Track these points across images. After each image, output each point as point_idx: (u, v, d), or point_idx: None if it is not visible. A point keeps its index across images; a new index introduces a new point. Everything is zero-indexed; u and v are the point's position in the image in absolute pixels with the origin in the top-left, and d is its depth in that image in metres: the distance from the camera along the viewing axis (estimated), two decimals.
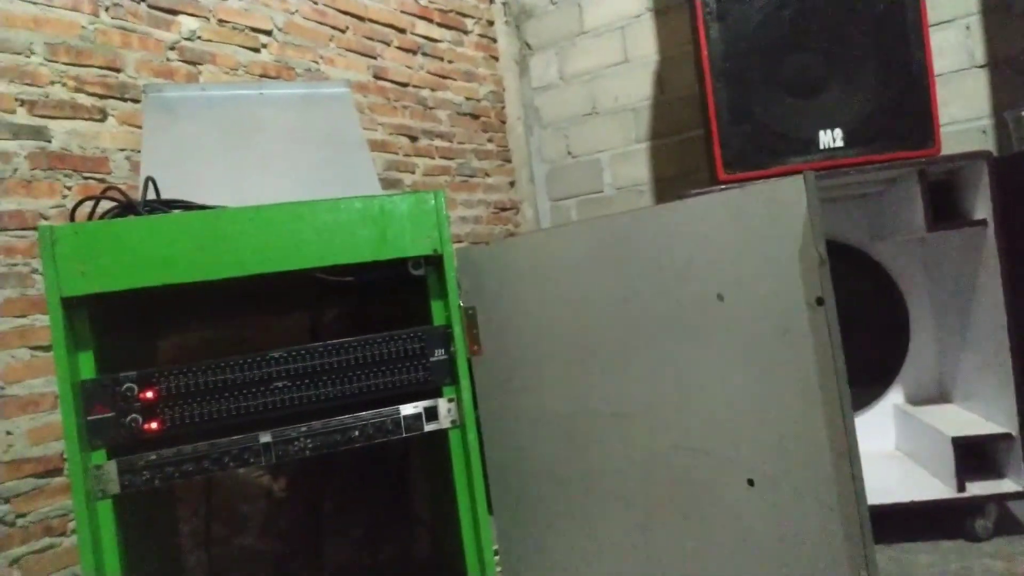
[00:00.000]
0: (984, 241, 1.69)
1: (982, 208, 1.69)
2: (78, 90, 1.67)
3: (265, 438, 1.15)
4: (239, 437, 1.14)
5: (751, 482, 1.18)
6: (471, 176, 2.86)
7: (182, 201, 1.23)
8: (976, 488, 1.67)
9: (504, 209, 3.02)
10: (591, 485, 1.39)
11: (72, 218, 1.22)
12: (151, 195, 1.24)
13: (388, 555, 1.81)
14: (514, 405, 1.47)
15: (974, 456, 1.72)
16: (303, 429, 1.17)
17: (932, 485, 1.75)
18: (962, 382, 1.92)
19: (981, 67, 2.18)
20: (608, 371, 1.34)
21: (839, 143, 1.80)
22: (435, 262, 1.26)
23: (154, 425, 1.09)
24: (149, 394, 1.09)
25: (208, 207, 1.21)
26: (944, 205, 1.79)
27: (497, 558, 1.44)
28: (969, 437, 1.69)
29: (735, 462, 1.20)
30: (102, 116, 1.71)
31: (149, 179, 1.25)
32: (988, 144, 2.17)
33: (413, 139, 2.59)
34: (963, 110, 2.20)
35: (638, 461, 1.32)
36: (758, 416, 1.17)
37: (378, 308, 1.66)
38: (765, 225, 1.14)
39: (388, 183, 2.44)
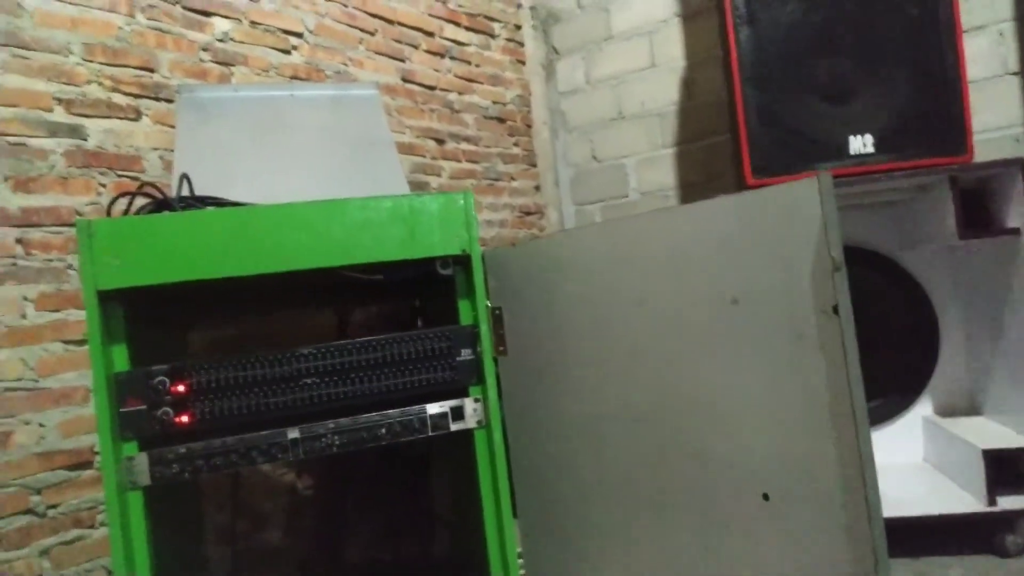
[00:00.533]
0: (1017, 250, 1.67)
1: (1015, 216, 1.66)
2: (114, 89, 1.70)
3: (293, 434, 1.16)
4: (267, 432, 1.15)
5: (766, 496, 1.14)
6: (496, 180, 2.87)
7: (215, 198, 1.25)
8: (1007, 502, 1.64)
9: (529, 213, 3.02)
10: (610, 490, 1.37)
11: (108, 213, 1.24)
12: (185, 191, 1.26)
13: (408, 554, 1.82)
14: (538, 406, 1.47)
15: (1005, 469, 1.68)
16: (331, 426, 1.17)
17: (961, 498, 1.72)
18: (993, 394, 1.89)
19: (1014, 74, 2.14)
20: (624, 375, 1.33)
21: (869, 149, 1.78)
22: (463, 262, 1.27)
23: (185, 418, 1.11)
24: (180, 388, 1.11)
25: (241, 204, 1.23)
26: (975, 213, 1.76)
27: (520, 560, 1.43)
28: (1001, 450, 1.66)
29: (749, 475, 1.16)
30: (136, 115, 1.74)
31: (183, 176, 1.27)
32: (1021, 152, 2.13)
33: (440, 142, 2.61)
34: (996, 117, 2.17)
35: (653, 468, 1.29)
36: (773, 427, 1.13)
37: (405, 307, 1.67)
38: (780, 229, 1.10)
39: (415, 186, 2.45)
